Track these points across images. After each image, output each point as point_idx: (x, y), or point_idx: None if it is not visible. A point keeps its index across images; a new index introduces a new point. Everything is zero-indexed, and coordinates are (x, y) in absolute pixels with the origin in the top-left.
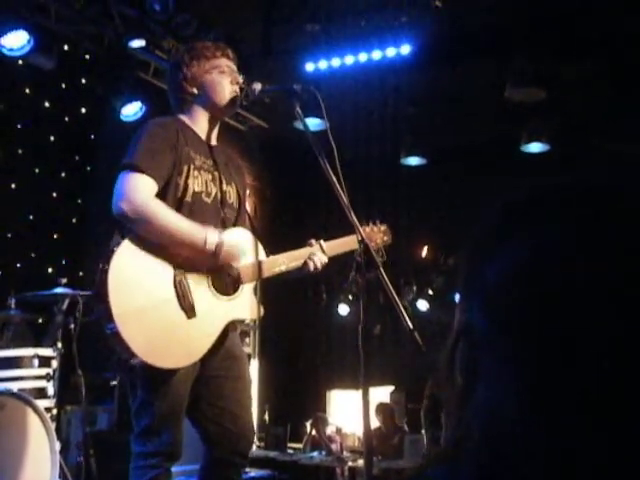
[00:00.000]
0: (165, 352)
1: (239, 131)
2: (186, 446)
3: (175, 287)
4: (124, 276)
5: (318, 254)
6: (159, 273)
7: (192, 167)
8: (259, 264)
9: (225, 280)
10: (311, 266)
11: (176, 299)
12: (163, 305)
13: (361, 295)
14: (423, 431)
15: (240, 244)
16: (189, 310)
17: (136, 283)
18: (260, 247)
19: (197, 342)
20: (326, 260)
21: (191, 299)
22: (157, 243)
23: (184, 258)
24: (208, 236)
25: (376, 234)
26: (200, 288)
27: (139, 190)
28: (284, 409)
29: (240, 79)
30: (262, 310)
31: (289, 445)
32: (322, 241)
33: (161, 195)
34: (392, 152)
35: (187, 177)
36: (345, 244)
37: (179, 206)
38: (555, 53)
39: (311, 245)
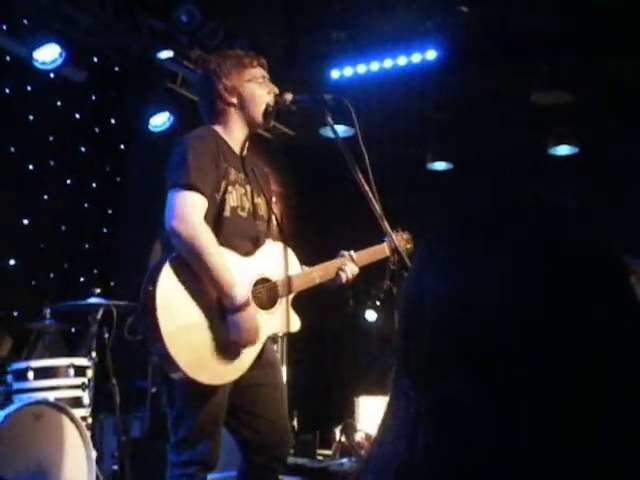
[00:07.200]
0: (211, 369)
1: (265, 139)
2: (221, 453)
3: (220, 303)
4: (172, 293)
5: (349, 265)
6: (205, 290)
7: (229, 182)
8: (295, 277)
9: (264, 294)
10: (343, 277)
11: (222, 315)
12: (209, 322)
13: (396, 304)
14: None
15: (258, 326)
16: None
17: (183, 300)
18: (294, 258)
19: (241, 358)
20: (357, 270)
21: None
22: None
23: None
24: (236, 293)
25: (400, 242)
26: None
27: (194, 210)
28: (313, 416)
29: (276, 89)
30: (299, 323)
31: (318, 452)
32: (352, 251)
33: None
34: (418, 157)
35: (224, 192)
36: (374, 253)
37: (218, 222)
38: (581, 55)
39: (342, 256)
